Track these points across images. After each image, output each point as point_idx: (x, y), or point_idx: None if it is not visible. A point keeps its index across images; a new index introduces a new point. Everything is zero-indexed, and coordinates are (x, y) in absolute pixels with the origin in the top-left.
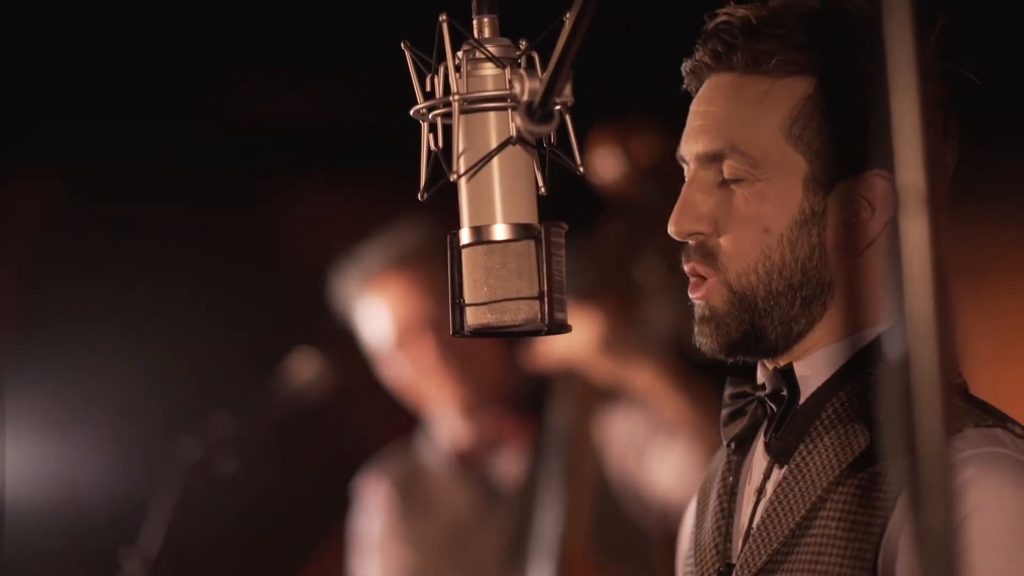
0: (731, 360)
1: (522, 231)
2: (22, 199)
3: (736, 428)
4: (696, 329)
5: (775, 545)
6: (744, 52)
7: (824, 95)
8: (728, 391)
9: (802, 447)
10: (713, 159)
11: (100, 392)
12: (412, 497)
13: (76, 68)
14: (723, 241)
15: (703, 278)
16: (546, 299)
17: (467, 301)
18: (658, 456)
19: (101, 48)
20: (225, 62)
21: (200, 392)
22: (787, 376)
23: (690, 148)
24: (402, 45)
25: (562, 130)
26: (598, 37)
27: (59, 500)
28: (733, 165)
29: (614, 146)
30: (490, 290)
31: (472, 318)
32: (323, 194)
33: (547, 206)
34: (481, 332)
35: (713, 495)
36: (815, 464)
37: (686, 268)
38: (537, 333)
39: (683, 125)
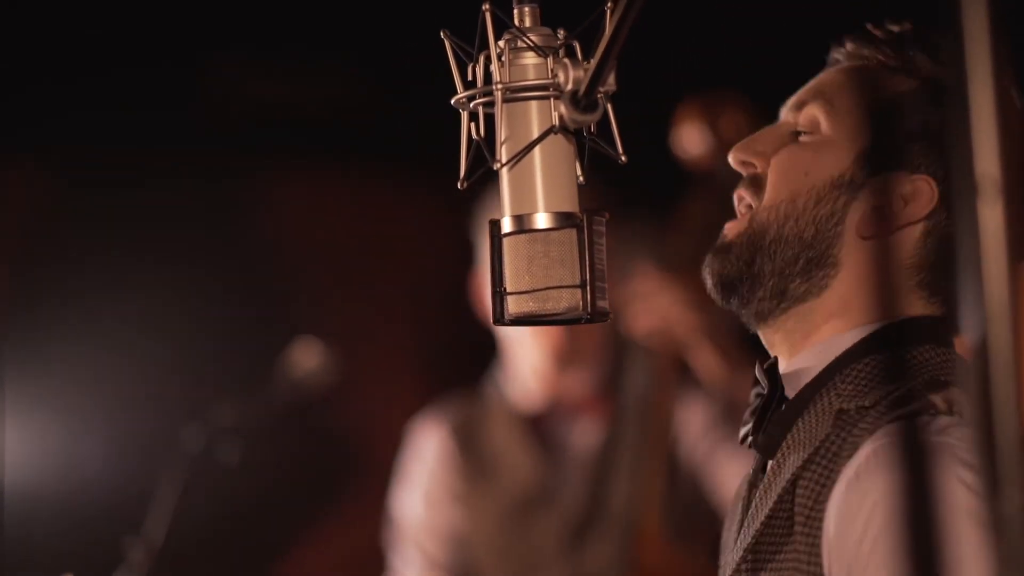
0: (726, 305)
1: (564, 219)
2: (17, 188)
3: (744, 428)
4: (706, 262)
5: (749, 539)
6: (873, 52)
7: (918, 98)
8: (752, 392)
9: (785, 441)
10: (799, 106)
11: (102, 381)
12: (472, 452)
13: (64, 57)
14: (771, 174)
15: (747, 207)
16: (588, 287)
17: (509, 289)
18: (726, 457)
19: (88, 38)
20: (214, 50)
21: (203, 381)
22: (771, 373)
23: (792, 99)
24: (442, 34)
25: (603, 119)
26: (686, 12)
27: (62, 491)
28: (813, 110)
29: (701, 121)
30: (532, 278)
31: (514, 306)
32: (326, 182)
33: (631, 180)
34: (522, 320)
35: (742, 493)
36: (789, 455)
37: (735, 195)
38: (577, 321)
39: (769, 100)
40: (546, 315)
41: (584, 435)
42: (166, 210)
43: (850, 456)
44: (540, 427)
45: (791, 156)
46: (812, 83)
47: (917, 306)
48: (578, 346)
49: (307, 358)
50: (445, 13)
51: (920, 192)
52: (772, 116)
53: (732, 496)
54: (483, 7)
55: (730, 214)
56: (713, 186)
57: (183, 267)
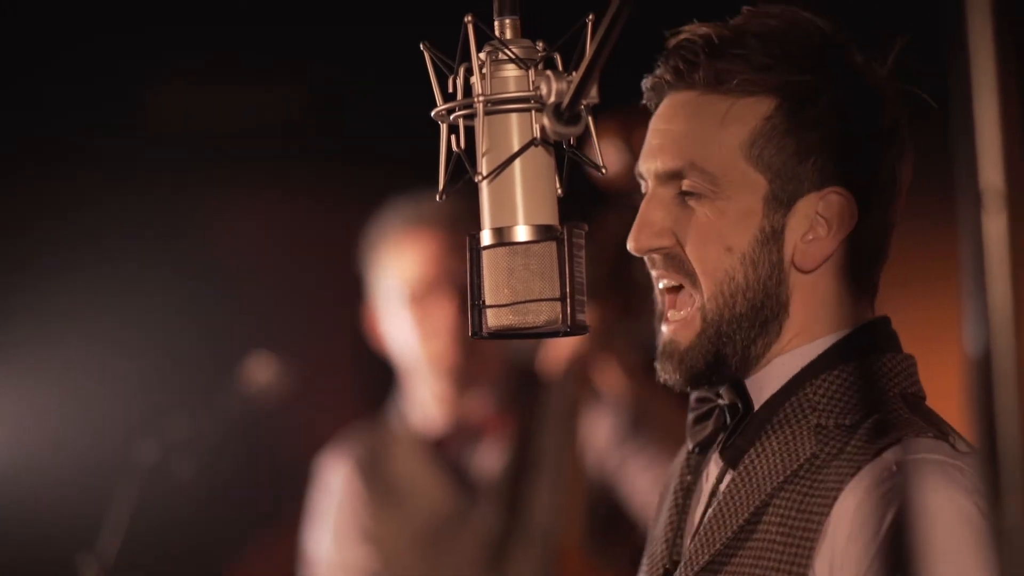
0: (691, 390)
1: (544, 232)
2: None
3: (701, 432)
4: (658, 365)
5: (718, 545)
6: (705, 70)
7: (784, 115)
8: (693, 395)
9: (752, 451)
10: (672, 177)
11: (55, 396)
12: (378, 484)
13: (1, 78)
14: (689, 254)
15: (677, 288)
16: (568, 300)
17: (488, 302)
18: (638, 466)
19: (27, 58)
20: (156, 69)
21: (157, 396)
22: (739, 389)
23: (648, 166)
24: (421, 46)
25: (584, 131)
26: (574, 22)
27: (14, 506)
28: (692, 182)
29: (617, 139)
30: (512, 291)
31: (493, 319)
32: (280, 197)
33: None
34: (501, 334)
35: (670, 493)
36: (762, 468)
37: (654, 274)
38: (557, 334)
39: None
40: (525, 328)
41: (489, 455)
42: (118, 227)
43: (855, 470)
44: (445, 451)
45: (703, 237)
46: (666, 142)
47: (857, 309)
48: (475, 368)
49: (260, 373)
50: (382, 35)
51: (836, 206)
52: None
53: (651, 502)
54: (465, 19)
55: None
56: (629, 205)
57: (136, 283)
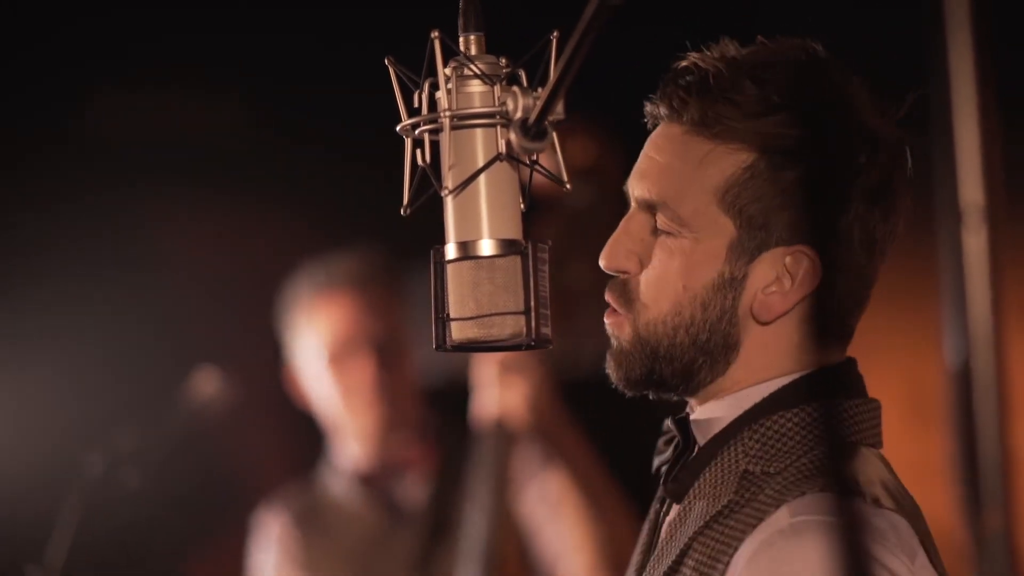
0: (632, 395)
1: (508, 246)
2: None
3: (661, 458)
4: (607, 359)
5: None
6: (694, 110)
7: (764, 167)
8: (667, 421)
9: (691, 491)
10: (648, 206)
11: (1, 407)
12: (313, 527)
13: None
14: (643, 286)
15: (615, 312)
16: (532, 314)
17: (452, 315)
18: (534, 498)
19: None
20: (105, 73)
21: (103, 407)
22: (682, 426)
23: (632, 188)
24: (386, 61)
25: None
26: (538, 38)
27: None
28: (663, 219)
29: (548, 147)
30: (476, 304)
31: (457, 332)
32: (230, 210)
33: None
34: (465, 347)
35: (645, 524)
36: (695, 510)
37: (606, 297)
38: (520, 348)
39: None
40: (490, 341)
41: (414, 489)
42: (64, 239)
43: (758, 522)
44: (372, 483)
45: (662, 268)
46: (649, 171)
47: (818, 353)
48: (398, 415)
49: (206, 387)
50: (334, 41)
51: (802, 265)
52: (627, 138)
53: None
54: (432, 34)
55: (578, 243)
56: (561, 214)
57: (82, 295)
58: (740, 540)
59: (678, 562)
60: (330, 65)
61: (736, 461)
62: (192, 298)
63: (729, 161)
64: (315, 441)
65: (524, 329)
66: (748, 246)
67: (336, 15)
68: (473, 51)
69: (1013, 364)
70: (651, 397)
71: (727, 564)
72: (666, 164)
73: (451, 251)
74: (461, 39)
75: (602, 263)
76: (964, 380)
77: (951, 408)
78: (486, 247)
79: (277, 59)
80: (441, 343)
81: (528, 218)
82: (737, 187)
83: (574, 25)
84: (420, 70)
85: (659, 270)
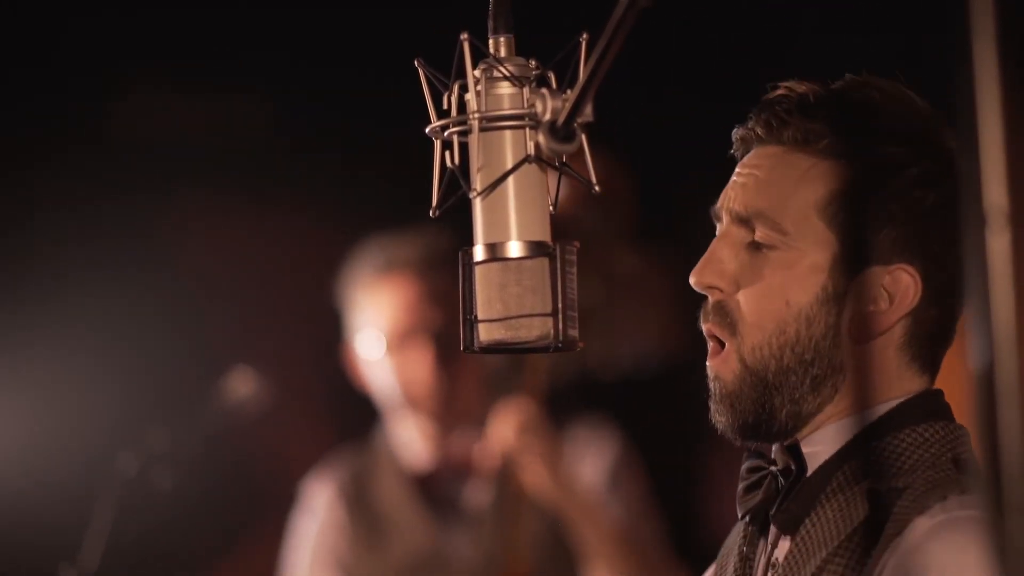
0: (740, 443)
1: (537, 248)
2: None
3: (751, 501)
4: (712, 407)
5: None
6: (795, 129)
7: (866, 183)
8: (745, 465)
9: (809, 519)
10: (745, 221)
11: (36, 407)
12: (361, 515)
13: None
14: (743, 305)
15: (720, 343)
16: (560, 316)
17: (480, 317)
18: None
19: None
20: (137, 74)
21: (137, 407)
22: (794, 452)
23: (726, 203)
24: (416, 63)
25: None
26: (568, 40)
27: None
28: (763, 231)
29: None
30: (504, 306)
31: (485, 334)
32: (266, 209)
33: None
34: (492, 348)
35: (730, 567)
36: (818, 535)
37: (703, 328)
38: (548, 350)
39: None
40: (517, 343)
41: (476, 493)
42: (100, 238)
43: (896, 534)
44: (431, 486)
45: (765, 287)
46: (748, 185)
47: (914, 381)
48: (458, 409)
49: (240, 387)
50: (363, 44)
51: (902, 284)
52: (638, 161)
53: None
54: (461, 37)
55: (588, 264)
56: (570, 232)
57: (117, 295)
58: (881, 554)
59: None
60: (360, 67)
61: (858, 483)
62: (226, 298)
63: (832, 175)
64: (350, 442)
65: (551, 331)
66: (850, 260)
67: (366, 16)
68: (503, 53)
69: None
70: (746, 455)
71: None
72: (765, 178)
73: (479, 253)
74: (491, 41)
75: (693, 280)
76: (987, 383)
77: (974, 412)
78: (514, 249)
79: (306, 60)
80: (469, 344)
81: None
82: (839, 200)
83: (603, 27)
84: (450, 72)
85: (761, 286)
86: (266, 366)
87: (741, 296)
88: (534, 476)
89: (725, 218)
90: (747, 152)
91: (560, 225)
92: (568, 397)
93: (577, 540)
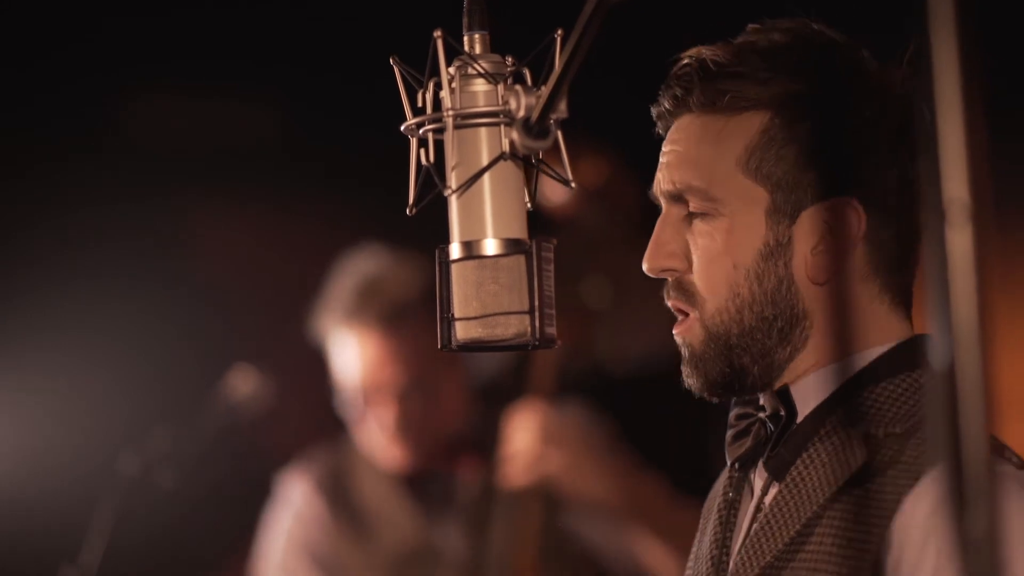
0: (717, 400)
1: (513, 246)
2: None
3: (740, 448)
4: (684, 371)
5: (768, 558)
6: (699, 93)
7: (781, 126)
8: (733, 412)
9: (799, 463)
10: (677, 197)
11: (38, 407)
12: (342, 511)
13: None
14: (696, 278)
15: (685, 314)
16: (537, 314)
17: (457, 315)
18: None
19: (9, 70)
20: (145, 75)
21: (139, 407)
22: (784, 397)
23: (658, 186)
24: (391, 61)
25: (553, 145)
26: (543, 37)
27: None
28: (695, 202)
29: (561, 168)
30: (480, 304)
31: (462, 332)
32: (266, 210)
33: None
34: (470, 346)
35: (714, 510)
36: (811, 480)
37: (669, 304)
38: (525, 347)
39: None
40: (494, 341)
41: (460, 488)
42: (101, 239)
43: (914, 479)
44: (413, 482)
45: (710, 257)
46: (671, 163)
47: (896, 324)
48: (425, 455)
49: (242, 386)
50: (373, 46)
51: (843, 215)
52: (632, 157)
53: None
54: (435, 34)
55: (593, 262)
56: (575, 235)
57: (119, 295)
58: (899, 499)
59: (806, 533)
60: (367, 73)
61: (853, 427)
62: (228, 299)
63: (745, 128)
64: (327, 437)
65: (528, 329)
66: (785, 208)
67: (371, 20)
68: (477, 50)
69: (998, 363)
70: (734, 401)
71: (885, 526)
72: (684, 151)
73: (455, 251)
74: (465, 38)
75: (645, 267)
76: (949, 379)
77: (935, 407)
78: (490, 246)
79: (308, 62)
80: (446, 343)
81: (533, 218)
82: (759, 151)
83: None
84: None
85: (707, 256)
86: (268, 365)
87: (695, 271)
88: (572, 485)
89: (661, 200)
90: (668, 129)
91: (566, 226)
92: (576, 395)
93: (629, 523)
